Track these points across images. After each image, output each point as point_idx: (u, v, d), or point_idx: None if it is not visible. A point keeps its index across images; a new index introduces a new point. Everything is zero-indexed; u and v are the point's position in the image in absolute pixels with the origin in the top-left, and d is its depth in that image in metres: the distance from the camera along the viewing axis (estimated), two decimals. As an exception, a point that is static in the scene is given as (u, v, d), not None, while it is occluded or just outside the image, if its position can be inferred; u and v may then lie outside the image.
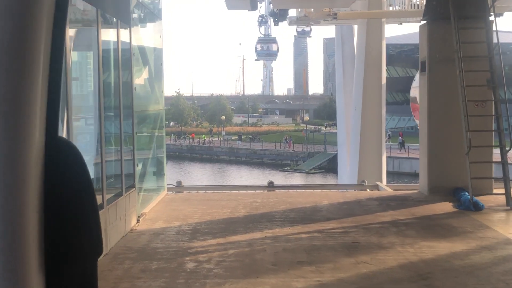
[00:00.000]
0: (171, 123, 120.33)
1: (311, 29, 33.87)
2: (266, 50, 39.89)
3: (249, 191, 14.53)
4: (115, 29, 8.56)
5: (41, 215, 1.67)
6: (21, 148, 1.63)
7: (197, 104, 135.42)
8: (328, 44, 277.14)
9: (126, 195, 8.82)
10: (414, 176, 62.52)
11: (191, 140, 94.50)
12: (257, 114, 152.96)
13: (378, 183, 15.27)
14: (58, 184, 1.69)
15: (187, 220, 9.64)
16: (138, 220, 9.45)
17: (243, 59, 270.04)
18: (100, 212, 7.34)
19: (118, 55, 8.62)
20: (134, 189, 9.37)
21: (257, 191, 14.69)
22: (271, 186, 14.80)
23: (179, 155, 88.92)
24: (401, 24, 24.54)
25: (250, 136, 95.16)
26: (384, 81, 21.18)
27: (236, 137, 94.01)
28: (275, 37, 41.02)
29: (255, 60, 45.02)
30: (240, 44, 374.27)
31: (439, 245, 7.82)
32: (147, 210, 10.30)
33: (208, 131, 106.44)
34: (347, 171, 23.96)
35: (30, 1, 1.82)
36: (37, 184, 1.66)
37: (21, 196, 1.64)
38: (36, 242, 1.66)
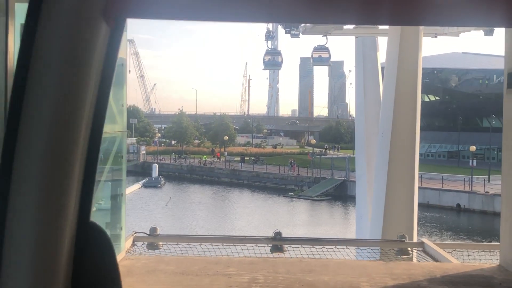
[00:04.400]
0: (173, 142, 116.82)
1: (329, 56, 29.67)
2: (272, 61, 37.53)
3: (247, 246, 10.47)
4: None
5: None
6: (53, 232, 1.61)
7: (200, 123, 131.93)
8: (333, 66, 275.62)
9: None
10: (427, 207, 57.43)
11: (191, 160, 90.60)
12: (261, 134, 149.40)
13: (425, 240, 11.17)
14: (87, 270, 1.66)
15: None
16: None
17: (249, 79, 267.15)
18: None
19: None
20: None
21: (259, 246, 10.62)
22: (278, 239, 10.75)
23: (178, 176, 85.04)
24: (435, 37, 20.70)
25: (253, 158, 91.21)
26: (419, 103, 17.17)
27: (239, 158, 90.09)
28: (280, 50, 38.51)
29: (263, 69, 42.50)
30: (246, 64, 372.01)
31: None
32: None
33: (210, 151, 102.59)
34: (367, 211, 19.78)
35: None
36: (66, 269, 1.65)
37: (50, 280, 1.62)
38: None
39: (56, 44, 1.60)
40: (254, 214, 52.45)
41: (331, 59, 29.29)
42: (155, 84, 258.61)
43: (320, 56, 30.55)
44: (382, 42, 21.22)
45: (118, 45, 1.76)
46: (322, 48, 30.12)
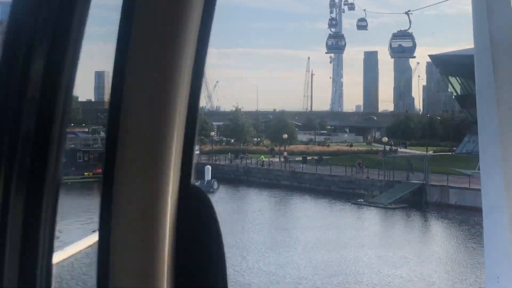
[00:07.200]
0: (232, 140, 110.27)
1: (414, 44, 21.12)
2: (336, 44, 30.93)
3: None
4: None
5: (172, 262, 1.75)
6: (156, 197, 1.73)
7: (261, 120, 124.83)
8: (398, 60, 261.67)
9: None
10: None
11: (248, 161, 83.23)
12: (325, 131, 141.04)
13: None
14: (189, 233, 1.76)
15: None
16: None
17: (312, 74, 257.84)
18: None
19: None
20: None
21: None
22: None
23: (234, 178, 77.86)
24: None
25: (316, 158, 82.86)
26: None
27: (301, 158, 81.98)
28: (343, 34, 31.34)
29: (325, 52, 35.53)
30: (309, 58, 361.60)
31: None
32: None
33: (269, 150, 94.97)
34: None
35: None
36: (171, 233, 1.75)
37: (153, 242, 1.73)
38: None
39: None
40: (315, 227, 44.29)
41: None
42: (217, 82, 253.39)
43: (401, 46, 22.52)
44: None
45: (212, 16, 1.74)
46: (403, 35, 22.32)
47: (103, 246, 1.65)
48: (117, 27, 1.71)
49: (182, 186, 1.71)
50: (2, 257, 1.59)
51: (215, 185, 68.01)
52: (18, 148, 1.61)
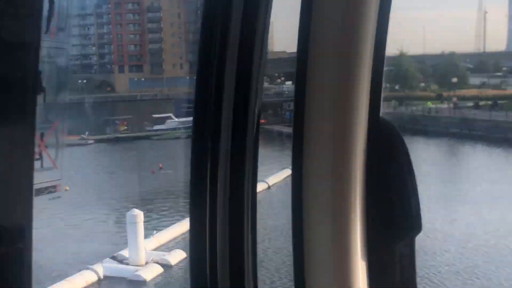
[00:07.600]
0: (396, 87, 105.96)
1: None
2: None
3: None
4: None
5: (363, 193, 1.84)
6: (347, 128, 1.83)
7: (428, 64, 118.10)
8: None
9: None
10: None
11: (414, 108, 79.19)
12: (500, 73, 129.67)
13: None
14: (381, 164, 1.82)
15: None
16: None
17: (485, 11, 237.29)
18: None
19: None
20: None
21: None
22: None
23: (398, 126, 73.47)
24: None
25: (490, 103, 76.38)
26: None
27: (471, 104, 76.19)
28: None
29: None
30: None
31: None
32: None
33: (436, 95, 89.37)
34: None
35: None
36: (361, 164, 1.83)
37: (346, 176, 1.81)
38: (359, 222, 1.83)
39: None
40: (488, 180, 40.58)
41: None
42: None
43: None
44: None
45: None
46: None
47: (296, 177, 1.70)
48: None
49: (371, 120, 1.75)
50: (214, 198, 1.77)
51: (378, 134, 66.22)
52: (223, 104, 1.82)
